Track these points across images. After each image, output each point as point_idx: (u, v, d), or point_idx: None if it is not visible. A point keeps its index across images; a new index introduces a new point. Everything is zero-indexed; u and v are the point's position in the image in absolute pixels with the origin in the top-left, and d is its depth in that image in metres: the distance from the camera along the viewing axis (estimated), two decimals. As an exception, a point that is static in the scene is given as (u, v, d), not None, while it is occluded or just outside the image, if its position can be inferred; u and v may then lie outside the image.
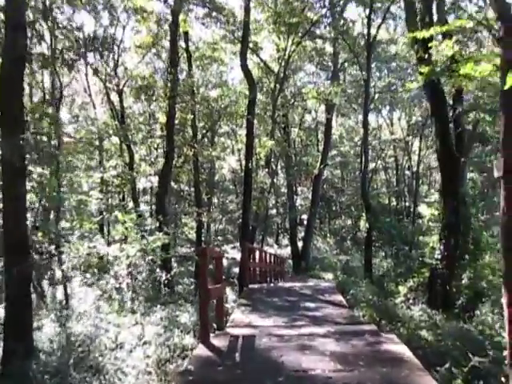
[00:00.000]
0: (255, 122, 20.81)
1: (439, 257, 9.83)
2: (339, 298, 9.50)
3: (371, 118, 38.19)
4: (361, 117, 37.98)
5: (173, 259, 24.46)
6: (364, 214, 14.25)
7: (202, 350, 4.97)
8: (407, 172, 37.85)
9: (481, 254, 9.85)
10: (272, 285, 11.85)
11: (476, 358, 4.79)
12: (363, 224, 14.22)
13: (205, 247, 5.13)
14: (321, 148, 33.08)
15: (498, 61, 8.46)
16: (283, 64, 21.78)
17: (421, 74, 8.54)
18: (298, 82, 28.29)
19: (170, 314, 8.29)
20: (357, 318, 7.32)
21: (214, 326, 6.51)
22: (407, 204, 37.26)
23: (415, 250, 15.04)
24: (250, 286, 11.07)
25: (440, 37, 9.31)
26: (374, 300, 10.34)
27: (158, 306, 8.59)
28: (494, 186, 21.27)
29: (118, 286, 9.58)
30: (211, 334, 5.67)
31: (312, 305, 8.63)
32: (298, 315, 7.62)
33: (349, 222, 40.43)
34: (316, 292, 10.16)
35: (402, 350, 4.68)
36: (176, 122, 19.63)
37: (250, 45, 20.11)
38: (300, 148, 37.28)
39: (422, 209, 34.88)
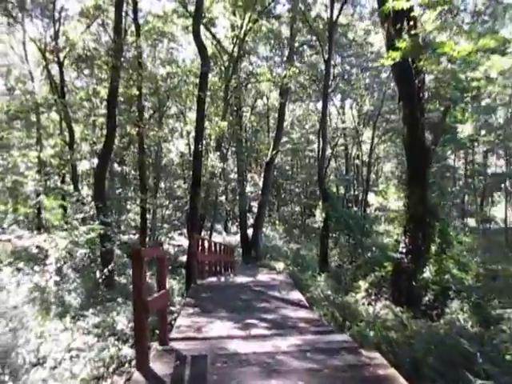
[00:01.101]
0: (207, 101, 19.58)
1: (404, 250, 9.16)
2: (298, 295, 8.62)
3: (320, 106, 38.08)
4: (312, 105, 38.36)
5: (117, 249, 23.03)
6: (320, 203, 13.45)
7: (138, 379, 3.83)
8: (356, 161, 38.07)
9: (447, 247, 9.29)
10: (223, 279, 10.80)
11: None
12: (319, 213, 13.42)
13: (139, 248, 3.83)
14: (272, 135, 32.36)
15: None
16: (238, 42, 20.58)
17: (396, 49, 7.65)
18: (251, 67, 27.16)
19: (106, 318, 7.04)
20: (324, 325, 6.41)
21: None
22: (356, 193, 37.56)
23: (370, 239, 14.57)
24: (199, 281, 9.96)
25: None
26: (335, 297, 9.58)
27: (91, 310, 7.27)
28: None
29: (43, 283, 8.13)
30: (152, 352, 4.53)
31: (269, 305, 7.68)
32: (254, 319, 6.62)
33: (297, 209, 40.26)
34: (272, 288, 9.23)
35: (391, 375, 3.78)
36: (121, 99, 18.07)
37: (204, 20, 18.75)
38: (251, 134, 36.39)
39: (372, 198, 35.33)
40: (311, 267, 16.20)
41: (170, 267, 20.14)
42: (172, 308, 9.40)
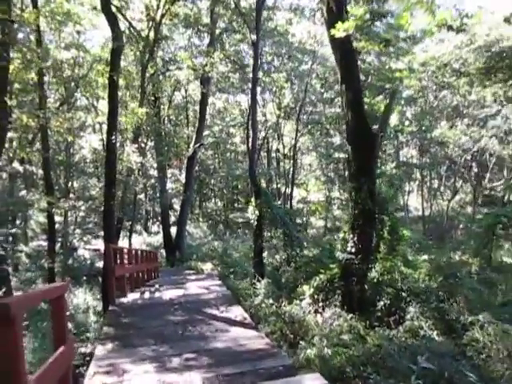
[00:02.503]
0: (121, 87, 17.51)
1: (353, 250, 8.25)
2: (239, 311, 7.33)
3: (242, 98, 37.03)
4: (232, 98, 37.29)
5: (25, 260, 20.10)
6: (253, 200, 12.25)
7: None
8: (278, 154, 37.75)
9: (398, 244, 8.54)
10: (148, 295, 9.17)
11: None
12: (251, 210, 12.22)
13: (7, 302, 1.94)
14: (192, 129, 30.71)
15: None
16: (154, 26, 18.70)
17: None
18: (169, 53, 25.24)
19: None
20: (284, 358, 5.18)
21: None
22: (278, 186, 37.26)
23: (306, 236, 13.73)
24: (119, 300, 8.27)
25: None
26: (278, 306, 8.44)
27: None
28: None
29: None
30: None
31: (208, 329, 6.29)
32: (193, 352, 5.24)
33: (220, 204, 39.11)
34: (208, 304, 7.83)
35: None
36: (17, 86, 15.53)
37: (115, 1, 16.68)
38: (170, 127, 34.48)
39: (301, 192, 35.06)
40: (241, 267, 15.07)
41: (85, 277, 17.92)
42: (88, 334, 7.72)
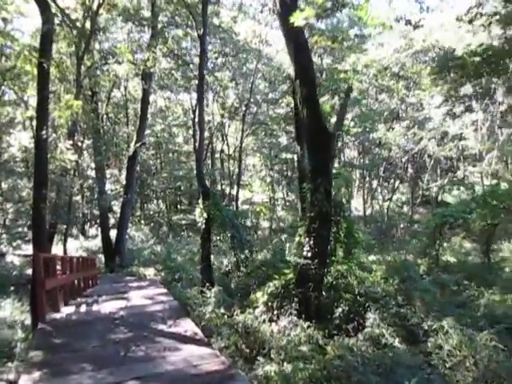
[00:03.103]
0: (54, 78, 16.17)
1: (309, 254, 7.84)
2: (189, 324, 6.64)
3: (185, 97, 36.08)
4: (174, 96, 36.15)
5: None
6: (200, 202, 11.58)
7: None
8: (218, 155, 37.20)
9: (355, 247, 8.23)
10: (84, 308, 8.21)
11: None
12: (199, 213, 11.53)
13: None
14: (132, 128, 29.37)
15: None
16: (91, 15, 17.42)
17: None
18: (107, 46, 23.83)
19: None
20: (244, 382, 4.60)
21: None
22: (223, 187, 36.74)
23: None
24: (50, 316, 7.30)
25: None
26: (229, 315, 7.85)
27: None
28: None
29: None
30: None
31: (155, 348, 5.58)
32: (137, 379, 4.55)
33: (162, 206, 37.87)
34: (154, 318, 7.06)
35: None
36: None
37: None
38: (109, 126, 32.85)
39: (246, 193, 34.58)
40: (186, 272, 14.32)
41: (12, 286, 16.31)
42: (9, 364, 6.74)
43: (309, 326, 7.16)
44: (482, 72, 10.72)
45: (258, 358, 5.98)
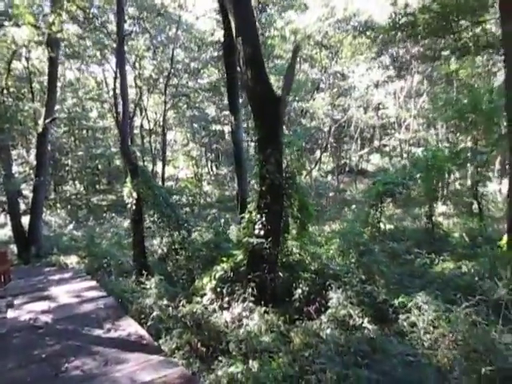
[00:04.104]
0: None
1: (262, 232, 7.08)
2: (132, 325, 5.63)
3: (96, 69, 33.30)
4: (85, 67, 33.15)
5: None
6: (128, 180, 10.32)
7: None
8: (138, 130, 35.19)
9: (308, 221, 7.60)
10: (-3, 315, 6.80)
11: None
12: (127, 192, 10.28)
13: None
14: (38, 104, 26.38)
15: None
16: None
17: None
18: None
19: None
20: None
21: None
22: (145, 164, 34.90)
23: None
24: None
25: None
26: (173, 306, 6.92)
27: None
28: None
29: None
30: None
31: (94, 362, 4.54)
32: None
33: (80, 187, 35.21)
34: (87, 322, 5.93)
35: None
36: None
37: None
38: (11, 101, 29.30)
39: (169, 169, 32.97)
40: (114, 258, 13.02)
41: None
42: None
43: (266, 312, 6.47)
44: (432, 31, 10.49)
45: (218, 356, 5.16)
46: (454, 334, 4.96)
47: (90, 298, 7.31)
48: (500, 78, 22.49)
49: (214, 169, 38.48)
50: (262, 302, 6.67)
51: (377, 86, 28.67)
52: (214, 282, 7.44)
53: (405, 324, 5.41)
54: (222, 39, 13.81)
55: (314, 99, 29.70)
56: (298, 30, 25.92)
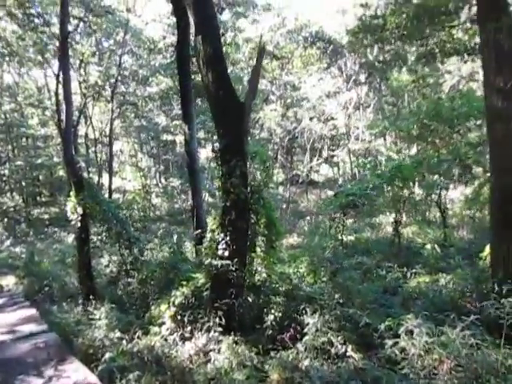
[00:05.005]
0: None
1: (226, 253, 6.36)
2: (80, 369, 4.71)
3: (37, 74, 31.37)
4: (24, 70, 31.08)
5: None
6: (72, 194, 9.28)
7: None
8: (83, 140, 33.43)
9: (276, 239, 6.98)
10: None
11: None
12: (72, 207, 9.23)
13: None
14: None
15: None
16: None
17: None
18: None
19: None
20: None
21: None
22: (90, 176, 33.14)
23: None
24: None
25: None
26: (130, 341, 6.03)
27: None
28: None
29: None
30: None
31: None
32: None
33: (18, 199, 32.80)
34: (22, 368, 4.92)
35: None
36: None
37: None
38: None
39: (116, 181, 31.43)
40: (57, 279, 11.81)
41: None
42: None
43: (236, 342, 5.73)
44: (401, 36, 10.35)
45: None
46: (452, 360, 4.47)
47: (28, 334, 6.24)
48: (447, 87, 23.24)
49: (164, 180, 37.22)
50: (230, 331, 5.94)
51: (328, 96, 28.85)
52: (173, 309, 6.61)
53: (394, 350, 4.86)
54: (175, 44, 13.14)
55: (263, 110, 29.47)
56: (250, 39, 25.61)
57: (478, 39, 9.90)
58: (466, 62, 12.77)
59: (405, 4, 9.92)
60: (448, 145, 11.86)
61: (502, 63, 5.95)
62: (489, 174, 13.17)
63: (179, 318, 6.54)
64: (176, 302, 6.66)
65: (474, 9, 10.49)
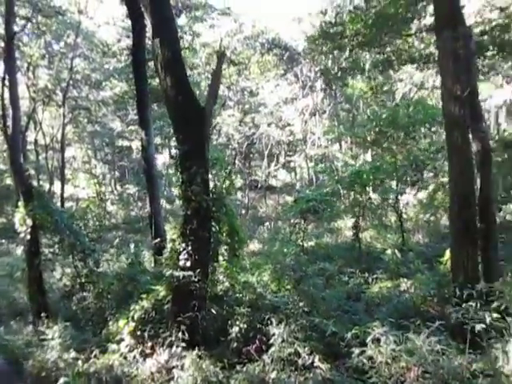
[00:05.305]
0: None
1: (188, 263, 6.14)
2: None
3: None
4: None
5: None
6: (21, 204, 8.74)
7: None
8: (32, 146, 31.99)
9: (239, 247, 6.82)
10: None
11: None
12: (20, 219, 8.67)
13: None
14: None
15: None
16: None
17: None
18: None
19: None
20: None
21: None
22: (40, 183, 31.74)
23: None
24: None
25: None
26: (86, 361, 5.67)
27: None
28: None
29: None
30: None
31: None
32: None
33: None
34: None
35: None
36: None
37: None
38: None
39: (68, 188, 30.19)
40: (5, 294, 11.15)
41: None
42: None
43: (200, 357, 5.51)
44: (359, 43, 10.48)
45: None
46: (419, 367, 4.47)
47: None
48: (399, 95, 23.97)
49: (119, 187, 36.21)
50: (194, 346, 5.70)
51: (285, 102, 29.09)
52: (132, 324, 6.29)
53: (361, 359, 4.81)
54: (130, 47, 12.78)
55: (220, 115, 29.32)
56: (208, 44, 25.42)
57: (433, 48, 10.25)
58: (421, 70, 13.17)
59: (364, 12, 10.15)
60: (404, 151, 12.17)
61: (458, 71, 6.09)
62: (442, 179, 13.68)
63: (139, 333, 6.24)
64: (135, 317, 6.34)
65: (427, 18, 10.92)
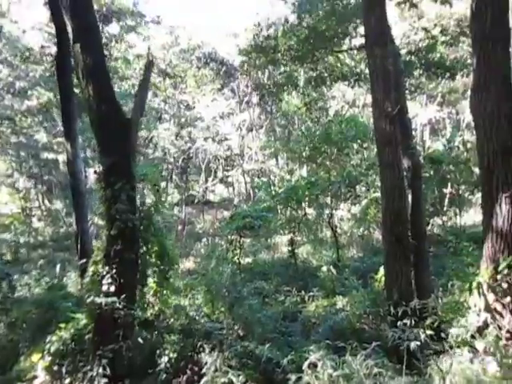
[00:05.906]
0: None
1: (112, 289, 5.62)
2: None
3: None
4: None
5: None
6: None
7: None
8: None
9: (171, 268, 6.38)
10: None
11: None
12: None
13: None
14: None
15: None
16: None
17: None
18: None
19: None
20: None
21: None
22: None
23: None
24: None
25: None
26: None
27: None
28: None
29: None
30: None
31: None
32: None
33: None
34: None
35: None
36: None
37: None
38: None
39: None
40: None
41: None
42: None
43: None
44: (292, 58, 10.42)
45: None
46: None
47: None
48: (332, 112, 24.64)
49: (47, 203, 34.05)
50: (118, 380, 5.19)
51: (222, 117, 28.96)
52: (48, 359, 5.63)
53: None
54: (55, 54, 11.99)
55: (156, 129, 28.60)
56: (142, 55, 24.72)
57: (363, 65, 10.49)
58: (352, 88, 13.54)
59: (296, 26, 10.22)
60: (337, 166, 12.34)
61: (388, 88, 6.16)
62: (374, 194, 14.03)
63: (56, 368, 5.60)
64: (52, 350, 5.69)
65: (358, 38, 11.22)
